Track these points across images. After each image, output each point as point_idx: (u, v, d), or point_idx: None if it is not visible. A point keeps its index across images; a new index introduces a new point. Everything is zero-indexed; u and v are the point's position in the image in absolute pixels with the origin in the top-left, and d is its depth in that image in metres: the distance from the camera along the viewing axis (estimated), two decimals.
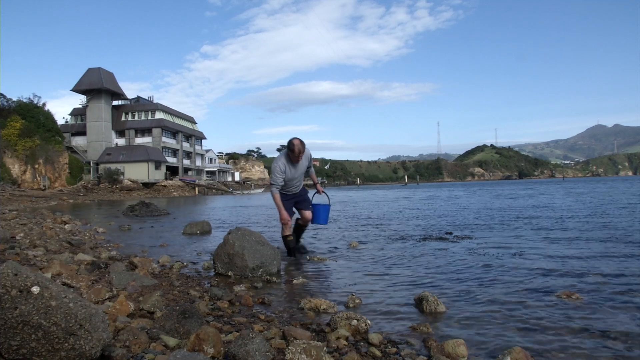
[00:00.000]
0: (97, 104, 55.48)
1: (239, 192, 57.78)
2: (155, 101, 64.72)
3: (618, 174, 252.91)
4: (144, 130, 58.50)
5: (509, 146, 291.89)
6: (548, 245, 5.87)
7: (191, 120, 70.19)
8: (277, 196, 5.05)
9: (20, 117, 41.07)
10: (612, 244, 5.80)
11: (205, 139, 72.64)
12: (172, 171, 58.97)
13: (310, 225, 5.68)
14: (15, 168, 39.19)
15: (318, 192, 5.42)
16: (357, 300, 3.29)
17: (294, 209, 5.40)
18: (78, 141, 55.63)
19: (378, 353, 2.28)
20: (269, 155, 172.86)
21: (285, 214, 5.06)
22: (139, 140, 57.88)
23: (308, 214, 5.40)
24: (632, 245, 5.70)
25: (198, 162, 68.44)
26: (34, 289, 1.67)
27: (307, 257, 5.35)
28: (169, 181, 53.15)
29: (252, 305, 3.26)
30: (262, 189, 68.57)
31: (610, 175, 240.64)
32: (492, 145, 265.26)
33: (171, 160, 59.79)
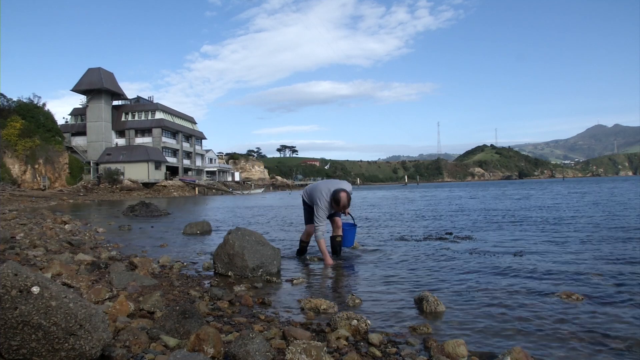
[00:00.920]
0: (97, 104, 55.47)
1: (239, 192, 57.77)
2: (155, 101, 64.70)
3: (618, 174, 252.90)
4: (144, 130, 58.48)
5: (509, 146, 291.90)
6: (548, 246, 5.87)
7: (191, 120, 70.18)
8: (323, 242, 5.05)
9: (20, 117, 41.03)
10: (612, 244, 5.80)
11: (205, 139, 72.63)
12: (172, 171, 58.95)
13: None
14: (15, 168, 39.18)
15: (344, 213, 5.42)
16: (357, 300, 3.29)
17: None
18: (78, 141, 55.60)
19: (378, 353, 2.28)
20: (269, 156, 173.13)
21: (330, 260, 5.04)
22: (139, 140, 57.86)
23: (338, 221, 5.42)
24: (632, 245, 5.70)
25: (198, 162, 68.42)
26: (34, 289, 1.67)
27: (307, 258, 5.36)
28: (169, 181, 53.12)
29: (252, 305, 3.26)
30: (262, 189, 68.56)
31: (610, 175, 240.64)
32: (492, 145, 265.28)
33: (171, 160, 59.77)
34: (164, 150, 58.28)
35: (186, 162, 64.39)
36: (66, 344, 1.68)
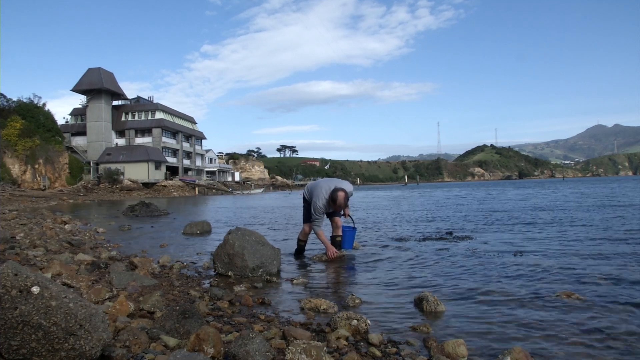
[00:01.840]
0: (97, 104, 55.46)
1: (239, 192, 57.76)
2: (155, 101, 64.70)
3: (618, 174, 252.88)
4: (144, 130, 58.47)
5: (509, 146, 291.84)
6: (548, 245, 5.86)
7: (191, 120, 70.17)
8: (322, 233, 5.21)
9: (20, 117, 41.03)
10: (612, 244, 5.80)
11: (205, 139, 72.63)
12: (172, 171, 58.94)
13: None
14: (15, 168, 39.18)
15: (344, 215, 5.44)
16: (357, 300, 3.29)
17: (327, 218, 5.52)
18: (78, 141, 55.59)
19: (378, 353, 2.28)
20: (269, 155, 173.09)
21: (333, 250, 5.17)
22: (139, 140, 57.85)
23: (338, 221, 5.46)
24: (632, 245, 5.70)
25: (198, 162, 68.41)
26: (34, 289, 1.67)
27: (307, 258, 5.36)
28: (169, 181, 53.11)
29: (252, 305, 3.26)
30: (262, 189, 68.54)
31: (611, 175, 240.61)
32: (492, 145, 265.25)
33: (171, 160, 59.76)
34: (164, 150, 58.28)
35: (186, 162, 64.39)
36: (66, 344, 1.68)
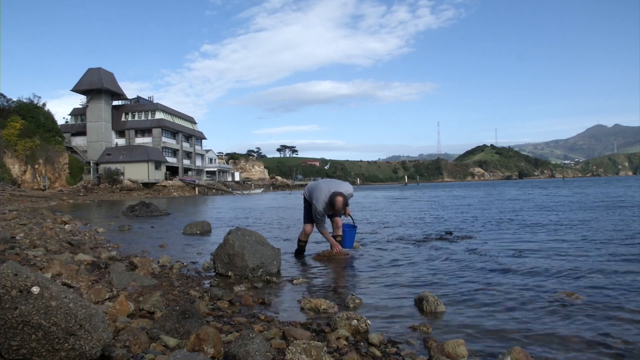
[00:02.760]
0: (97, 104, 55.46)
1: (239, 192, 57.76)
2: (155, 101, 64.69)
3: (618, 174, 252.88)
4: (144, 131, 58.46)
5: (509, 146, 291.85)
6: (548, 245, 5.86)
7: (191, 120, 70.17)
8: (326, 231, 5.33)
9: (20, 117, 41.02)
10: (612, 244, 5.80)
11: (205, 139, 72.63)
12: (172, 171, 58.93)
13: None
14: (15, 168, 39.18)
15: (345, 214, 5.48)
16: (357, 300, 3.29)
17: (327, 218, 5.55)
18: (78, 141, 55.58)
19: (378, 353, 2.28)
20: (269, 156, 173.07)
21: (338, 246, 5.30)
22: (139, 140, 57.84)
23: (338, 221, 5.50)
24: (632, 245, 5.70)
25: (198, 162, 68.41)
26: (34, 289, 1.67)
27: (308, 258, 5.36)
28: (169, 181, 53.10)
29: (252, 305, 3.26)
30: (262, 189, 68.52)
31: (610, 175, 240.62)
32: (492, 145, 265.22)
33: (171, 160, 59.75)
34: (164, 150, 58.28)
35: (186, 162, 64.38)
36: (66, 344, 1.68)
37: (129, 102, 62.45)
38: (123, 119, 59.10)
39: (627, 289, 3.50)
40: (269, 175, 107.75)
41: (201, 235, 8.31)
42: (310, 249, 5.77)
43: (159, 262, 5.00)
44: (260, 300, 3.36)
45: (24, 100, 44.05)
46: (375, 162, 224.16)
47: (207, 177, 69.18)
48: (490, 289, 3.60)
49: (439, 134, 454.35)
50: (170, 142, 60.31)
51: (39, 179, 41.03)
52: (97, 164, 53.04)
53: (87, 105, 55.84)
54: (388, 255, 5.45)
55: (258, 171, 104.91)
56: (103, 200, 34.01)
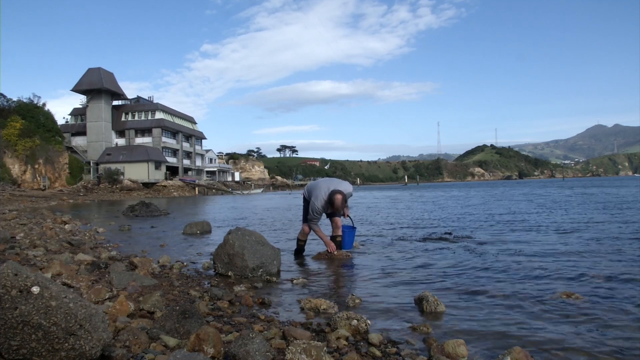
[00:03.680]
0: (97, 104, 55.44)
1: (239, 192, 57.75)
2: (155, 101, 64.68)
3: (618, 174, 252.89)
4: (144, 130, 58.45)
5: (509, 146, 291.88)
6: (548, 245, 5.87)
7: (191, 120, 70.16)
8: (319, 229, 5.31)
9: (20, 117, 41.02)
10: (612, 244, 5.80)
11: (205, 139, 72.62)
12: (172, 171, 58.92)
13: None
14: (15, 168, 39.17)
15: (343, 215, 5.48)
16: (357, 300, 3.29)
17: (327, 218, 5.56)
18: (78, 141, 55.57)
19: (378, 353, 2.28)
20: (269, 155, 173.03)
21: (332, 244, 5.28)
22: (139, 140, 57.83)
23: (338, 221, 5.50)
24: (632, 245, 5.70)
25: (198, 162, 68.39)
26: (34, 289, 1.67)
27: (307, 257, 5.36)
28: (169, 181, 53.10)
29: (252, 305, 3.26)
30: (262, 189, 68.51)
31: (611, 175, 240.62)
32: (492, 145, 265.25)
33: (171, 160, 59.74)
34: (164, 150, 58.27)
35: (186, 162, 64.38)
36: (66, 344, 1.68)
37: (129, 102, 62.44)
38: (123, 118, 59.09)
39: (628, 289, 3.50)
40: (269, 175, 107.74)
41: (201, 235, 8.31)
42: (310, 249, 5.77)
43: (159, 262, 5.00)
44: (260, 300, 3.36)
45: (24, 100, 44.07)
46: (375, 162, 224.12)
47: (207, 177, 69.17)
48: (490, 289, 3.60)
49: (439, 134, 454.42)
50: (170, 142, 60.31)
51: (39, 179, 41.03)
52: (97, 164, 53.04)
53: (87, 105, 55.82)
54: (388, 255, 5.45)
55: (258, 171, 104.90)
56: (103, 200, 34.01)
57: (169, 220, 12.64)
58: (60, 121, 52.51)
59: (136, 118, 59.35)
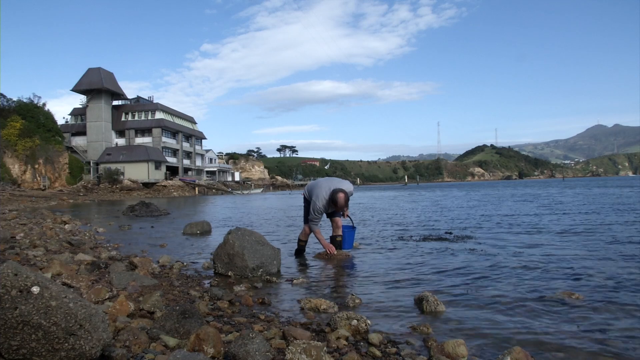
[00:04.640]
0: (97, 104, 55.44)
1: (239, 192, 57.75)
2: (155, 101, 64.67)
3: (618, 174, 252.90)
4: (144, 130, 58.45)
5: (509, 146, 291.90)
6: (548, 245, 5.86)
7: (191, 120, 70.16)
8: (319, 231, 5.31)
9: (20, 117, 41.02)
10: (612, 244, 5.80)
11: (205, 139, 72.61)
12: (172, 171, 58.92)
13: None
14: (15, 168, 39.17)
15: (343, 216, 5.46)
16: (357, 300, 3.29)
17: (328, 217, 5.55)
18: (78, 141, 55.57)
19: (378, 353, 2.28)
20: (269, 155, 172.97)
21: (331, 246, 5.27)
22: (139, 140, 57.82)
23: (338, 221, 5.49)
24: (632, 245, 5.70)
25: (198, 162, 68.39)
26: (34, 289, 1.67)
27: (307, 258, 5.36)
28: (169, 181, 53.09)
29: (252, 305, 3.26)
30: (262, 189, 68.50)
31: (611, 175, 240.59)
32: (492, 145, 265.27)
33: (171, 160, 59.74)
34: (164, 150, 58.27)
35: (186, 162, 64.37)
36: (66, 344, 1.68)
37: (128, 102, 62.43)
38: (123, 118, 59.09)
39: (628, 289, 3.50)
40: (269, 175, 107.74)
41: (201, 235, 8.30)
42: (311, 249, 5.77)
43: (159, 262, 5.00)
44: (260, 300, 3.36)
45: (24, 100, 44.08)
46: (375, 162, 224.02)
47: (207, 177, 69.17)
48: (490, 289, 3.60)
49: (439, 133, 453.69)
50: (170, 142, 60.31)
51: (39, 178, 41.03)
52: (97, 164, 53.04)
53: (87, 105, 55.82)
54: (388, 255, 5.45)
55: (258, 171, 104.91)
56: (103, 200, 34.01)
57: (169, 220, 12.64)
58: (60, 121, 52.57)
59: (136, 118, 59.34)
